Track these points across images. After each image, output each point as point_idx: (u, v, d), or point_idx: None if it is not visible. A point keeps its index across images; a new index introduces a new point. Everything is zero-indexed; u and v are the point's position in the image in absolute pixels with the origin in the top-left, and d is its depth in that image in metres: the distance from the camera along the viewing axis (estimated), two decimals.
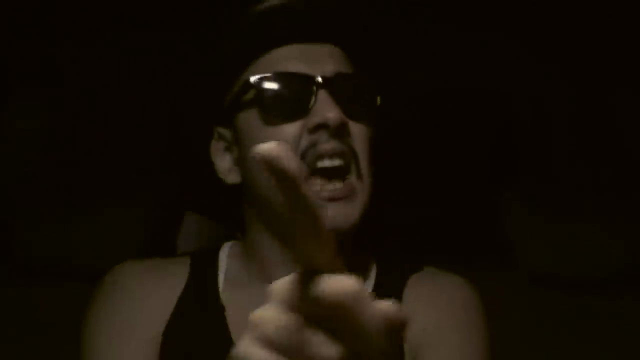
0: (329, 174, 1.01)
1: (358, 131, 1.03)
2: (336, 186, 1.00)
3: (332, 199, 1.00)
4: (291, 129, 1.01)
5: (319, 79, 1.02)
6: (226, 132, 1.08)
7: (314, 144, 1.00)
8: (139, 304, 1.06)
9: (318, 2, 1.06)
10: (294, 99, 1.02)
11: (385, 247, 1.19)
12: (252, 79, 1.03)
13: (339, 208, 1.00)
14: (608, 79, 1.47)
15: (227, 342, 1.02)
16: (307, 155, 1.00)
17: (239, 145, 1.06)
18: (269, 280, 1.06)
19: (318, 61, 1.04)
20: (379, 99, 1.07)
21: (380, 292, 1.07)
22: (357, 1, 1.11)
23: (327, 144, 1.00)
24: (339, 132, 1.00)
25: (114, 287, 1.08)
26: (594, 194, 1.34)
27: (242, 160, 1.06)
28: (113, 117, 1.38)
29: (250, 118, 1.04)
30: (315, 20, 1.05)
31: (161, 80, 1.38)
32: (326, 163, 1.00)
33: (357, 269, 1.10)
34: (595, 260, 1.30)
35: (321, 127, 1.00)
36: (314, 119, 1.00)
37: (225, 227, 1.20)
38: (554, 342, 1.28)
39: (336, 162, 1.01)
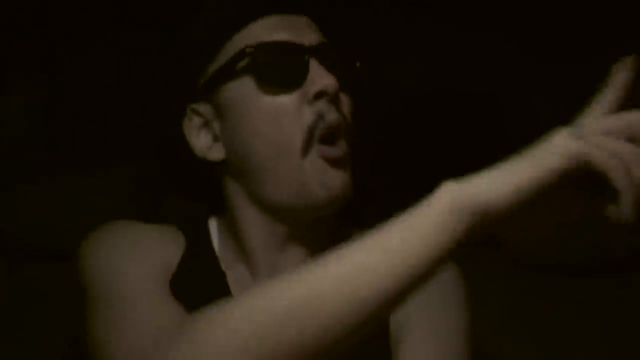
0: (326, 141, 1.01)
1: (345, 99, 1.04)
2: (333, 149, 1.00)
3: (333, 161, 0.99)
4: (291, 98, 1.00)
5: (310, 47, 1.02)
6: (202, 108, 1.06)
7: (320, 115, 1.00)
8: (148, 251, 1.01)
9: None
10: (288, 69, 1.01)
11: (373, 224, 1.19)
12: (247, 47, 1.02)
13: (336, 174, 1.00)
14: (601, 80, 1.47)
15: None
16: (316, 129, 0.99)
17: (224, 118, 1.04)
18: (252, 260, 1.05)
19: (302, 31, 1.03)
20: (358, 63, 1.07)
21: None
22: None
23: (331, 114, 1.00)
24: (336, 98, 1.01)
25: (117, 234, 1.03)
26: None
27: (230, 133, 1.03)
28: (95, 99, 1.39)
29: (243, 88, 1.02)
30: None
31: (140, 61, 1.38)
32: (332, 152, 1.00)
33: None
34: (577, 245, 1.32)
35: (320, 95, 1.00)
36: (314, 87, 1.00)
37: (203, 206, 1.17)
38: (536, 325, 1.30)
39: (340, 151, 1.01)
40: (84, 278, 0.99)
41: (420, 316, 1.01)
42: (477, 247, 1.30)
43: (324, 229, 1.05)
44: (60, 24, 1.49)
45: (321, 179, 0.99)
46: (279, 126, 1.00)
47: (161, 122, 1.12)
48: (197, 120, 1.06)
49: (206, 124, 1.05)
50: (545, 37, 1.49)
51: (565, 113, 1.49)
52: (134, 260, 0.99)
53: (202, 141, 1.05)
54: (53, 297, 1.28)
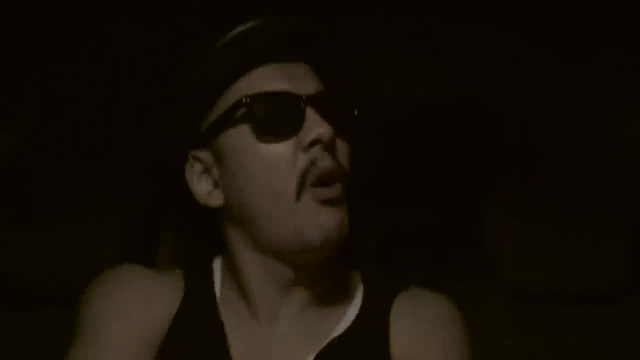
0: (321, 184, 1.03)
1: (341, 146, 1.05)
2: (330, 190, 1.02)
3: (327, 202, 1.01)
4: (286, 148, 1.03)
5: (306, 97, 1.03)
6: (203, 154, 1.08)
7: (313, 162, 1.02)
8: (141, 307, 1.05)
9: (291, 22, 1.07)
10: (285, 117, 1.03)
11: (371, 266, 1.20)
12: (244, 98, 1.04)
13: (331, 214, 1.02)
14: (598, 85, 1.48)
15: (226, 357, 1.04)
16: (309, 175, 1.02)
17: (223, 165, 1.06)
18: (252, 303, 1.07)
19: (299, 79, 1.05)
20: (356, 111, 1.08)
21: (367, 309, 1.08)
22: (327, 21, 1.13)
23: (325, 161, 1.02)
24: (331, 146, 1.03)
25: (114, 285, 1.07)
26: (575, 210, 1.36)
27: (228, 180, 1.06)
28: (90, 132, 1.39)
29: (240, 136, 1.04)
30: (290, 39, 1.06)
31: (140, 99, 1.38)
32: (325, 193, 1.02)
33: (344, 286, 1.11)
34: (574, 275, 1.34)
35: (315, 143, 1.02)
36: (309, 136, 1.02)
37: (205, 245, 1.19)
38: (534, 353, 1.31)
39: (335, 192, 1.03)
40: (76, 320, 1.05)
41: (428, 352, 1.04)
42: (474, 279, 1.34)
43: (324, 272, 1.07)
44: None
45: (316, 220, 1.01)
46: (274, 172, 1.02)
47: (163, 168, 1.13)
48: (198, 167, 1.08)
49: (206, 170, 1.08)
50: (542, 44, 1.49)
51: (560, 121, 1.51)
52: (121, 316, 1.04)
53: (202, 187, 1.07)
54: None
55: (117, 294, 1.06)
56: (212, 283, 1.10)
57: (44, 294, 1.32)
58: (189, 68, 1.07)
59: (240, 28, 1.05)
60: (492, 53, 1.53)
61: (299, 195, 1.01)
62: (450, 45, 1.53)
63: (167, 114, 1.11)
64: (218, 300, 1.08)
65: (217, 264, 1.12)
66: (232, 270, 1.08)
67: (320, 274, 1.07)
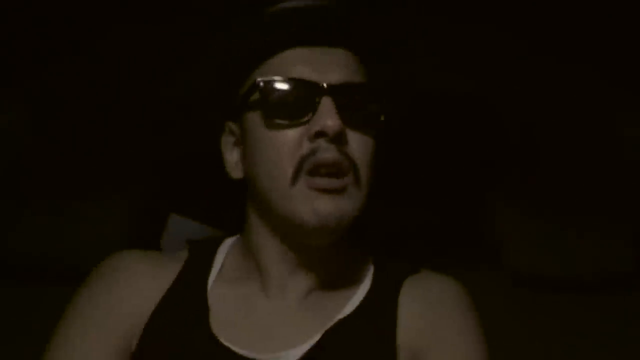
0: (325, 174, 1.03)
1: (358, 141, 1.05)
2: (331, 180, 1.02)
3: (324, 190, 1.00)
4: (292, 134, 1.03)
5: (324, 86, 1.03)
6: (235, 127, 1.10)
7: (314, 151, 1.02)
8: (124, 294, 1.07)
9: (332, 6, 1.07)
10: (297, 105, 1.04)
11: (381, 250, 1.20)
12: (258, 81, 1.04)
13: (329, 201, 1.02)
14: (594, 84, 1.48)
15: (208, 340, 1.03)
16: (305, 162, 1.02)
17: (244, 141, 1.09)
18: (265, 276, 1.08)
19: (326, 67, 1.05)
20: (383, 117, 1.07)
21: (376, 292, 1.08)
22: (370, 7, 1.12)
23: (326, 153, 1.02)
24: (337, 140, 1.01)
25: (105, 273, 1.10)
26: (579, 197, 1.37)
27: (246, 157, 1.07)
28: (98, 114, 1.40)
29: (254, 118, 1.06)
30: (328, 24, 1.06)
31: (153, 77, 1.39)
32: (320, 183, 1.01)
33: (355, 270, 1.11)
34: (578, 261, 1.34)
35: (320, 134, 1.01)
36: (314, 127, 1.02)
37: (213, 227, 1.21)
38: (537, 342, 1.31)
39: (332, 183, 1.02)
40: (66, 310, 1.08)
41: (441, 337, 1.03)
42: (477, 264, 1.34)
43: (333, 255, 1.07)
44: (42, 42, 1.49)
45: (310, 205, 1.02)
46: (276, 156, 1.03)
47: (199, 137, 1.15)
48: (231, 138, 1.11)
49: (237, 143, 1.10)
50: (542, 44, 1.49)
51: (561, 120, 1.51)
52: (103, 310, 1.06)
53: (232, 158, 1.09)
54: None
55: (103, 291, 1.08)
56: (210, 264, 1.10)
57: (53, 273, 1.33)
58: (225, 42, 1.09)
59: (279, 7, 1.06)
60: (493, 53, 1.53)
61: (294, 181, 1.02)
62: (451, 43, 1.53)
63: (204, 86, 1.13)
64: (210, 284, 1.08)
65: (226, 244, 1.13)
66: (247, 246, 1.09)
67: (329, 257, 1.07)
